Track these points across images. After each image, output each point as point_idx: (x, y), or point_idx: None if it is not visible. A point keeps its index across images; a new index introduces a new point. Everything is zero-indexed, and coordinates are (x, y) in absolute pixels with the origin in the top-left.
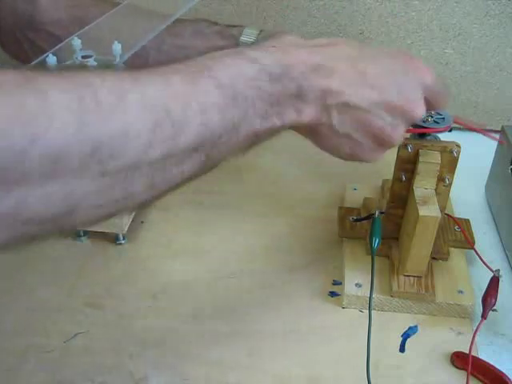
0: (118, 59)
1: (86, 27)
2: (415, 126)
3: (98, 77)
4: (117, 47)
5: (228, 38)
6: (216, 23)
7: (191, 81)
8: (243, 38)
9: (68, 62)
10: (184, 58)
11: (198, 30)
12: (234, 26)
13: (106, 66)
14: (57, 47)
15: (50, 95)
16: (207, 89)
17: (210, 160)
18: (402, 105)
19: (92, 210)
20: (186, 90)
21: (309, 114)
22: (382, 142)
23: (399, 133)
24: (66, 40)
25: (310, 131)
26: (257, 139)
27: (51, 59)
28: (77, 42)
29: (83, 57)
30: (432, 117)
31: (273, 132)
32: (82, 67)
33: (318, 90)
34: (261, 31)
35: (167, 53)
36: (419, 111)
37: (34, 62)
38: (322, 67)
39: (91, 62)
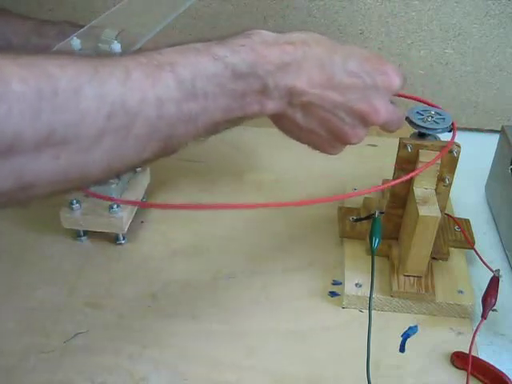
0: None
1: (85, 27)
2: (415, 125)
3: (59, 67)
4: (116, 47)
5: (92, 38)
6: (79, 25)
7: (151, 74)
8: (102, 38)
9: None
10: (151, 49)
11: (62, 31)
12: (96, 27)
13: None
14: (55, 47)
15: (12, 84)
16: (166, 83)
17: (168, 146)
18: (363, 110)
19: (48, 187)
20: (144, 83)
21: (273, 108)
22: (340, 140)
23: (358, 134)
24: (66, 40)
25: (274, 120)
26: (218, 128)
27: None
28: (76, 42)
29: None
30: (432, 117)
31: (235, 121)
32: (51, 53)
33: (283, 88)
34: (120, 32)
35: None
36: (380, 117)
37: None
38: (290, 67)
39: None
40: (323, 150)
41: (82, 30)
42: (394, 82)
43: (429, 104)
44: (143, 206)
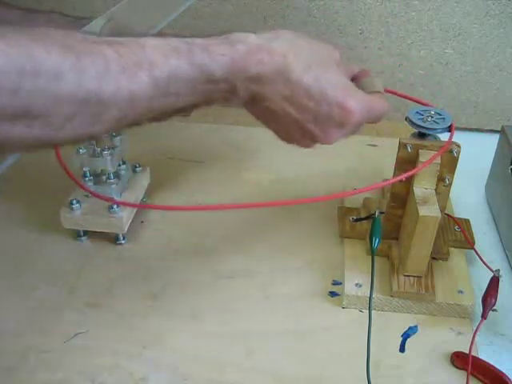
0: None
1: (85, 26)
2: (415, 125)
3: (44, 51)
4: None
5: (79, 28)
6: (67, 15)
7: (129, 69)
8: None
9: None
10: (130, 41)
11: (52, 19)
12: (84, 18)
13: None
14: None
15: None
16: (142, 80)
17: (134, 125)
18: (313, 132)
19: (18, 147)
20: (121, 77)
21: (237, 103)
22: (295, 142)
23: (309, 145)
24: None
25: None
26: (181, 113)
27: None
28: None
29: None
30: (432, 117)
31: (200, 107)
32: (39, 33)
33: (249, 92)
34: (107, 21)
35: None
36: (329, 142)
37: None
38: (262, 77)
39: None
40: (284, 140)
41: (81, 30)
42: (352, 117)
43: (422, 103)
44: (142, 207)
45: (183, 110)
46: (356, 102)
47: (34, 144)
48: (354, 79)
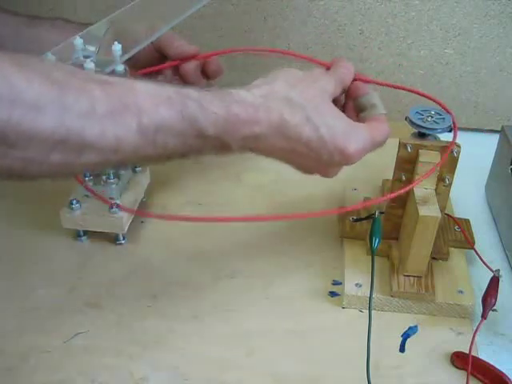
0: (117, 59)
1: (89, 27)
2: (415, 125)
3: (25, 80)
4: (117, 47)
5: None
6: (71, 21)
7: (116, 113)
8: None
9: (69, 63)
10: (121, 82)
11: (56, 25)
12: (88, 24)
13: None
14: (57, 47)
15: None
16: (129, 127)
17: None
18: (314, 170)
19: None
20: (107, 120)
21: (227, 155)
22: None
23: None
24: (69, 40)
25: None
26: (169, 161)
27: (50, 58)
28: (79, 41)
29: (83, 56)
30: (432, 117)
31: (187, 158)
32: (22, 59)
33: (245, 148)
34: (110, 25)
35: (24, 43)
36: (330, 177)
37: None
38: (257, 137)
39: (88, 64)
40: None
41: (84, 31)
42: (353, 159)
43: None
44: (142, 215)
45: (171, 160)
46: (356, 144)
47: (4, 173)
48: (353, 96)
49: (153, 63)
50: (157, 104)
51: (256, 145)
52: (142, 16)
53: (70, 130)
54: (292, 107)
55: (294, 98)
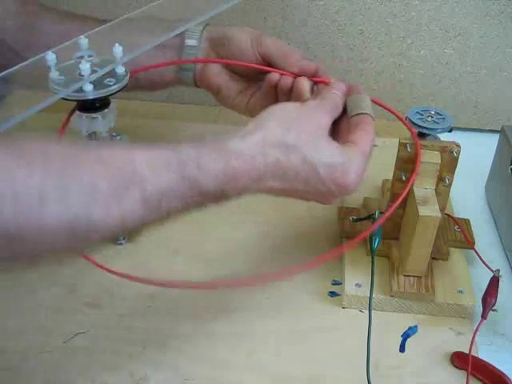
0: (118, 61)
1: (95, 29)
2: (415, 125)
3: (27, 172)
4: (117, 49)
5: (102, 22)
6: (101, 19)
7: (119, 189)
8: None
9: (68, 62)
10: (118, 154)
11: (87, 24)
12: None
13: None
14: (60, 46)
15: None
16: (133, 199)
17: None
18: (312, 200)
19: None
20: (111, 199)
21: (227, 202)
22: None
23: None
24: (73, 40)
25: None
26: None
27: (50, 56)
28: (84, 41)
29: (81, 57)
30: (432, 117)
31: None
32: (20, 147)
33: (239, 194)
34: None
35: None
36: (329, 204)
37: (31, 59)
38: (255, 183)
39: (83, 65)
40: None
41: (92, 31)
42: (351, 189)
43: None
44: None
45: (170, 219)
46: (355, 174)
47: (10, 265)
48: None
49: (255, 75)
50: (157, 172)
51: (255, 189)
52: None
53: (76, 216)
54: (287, 151)
55: (289, 141)
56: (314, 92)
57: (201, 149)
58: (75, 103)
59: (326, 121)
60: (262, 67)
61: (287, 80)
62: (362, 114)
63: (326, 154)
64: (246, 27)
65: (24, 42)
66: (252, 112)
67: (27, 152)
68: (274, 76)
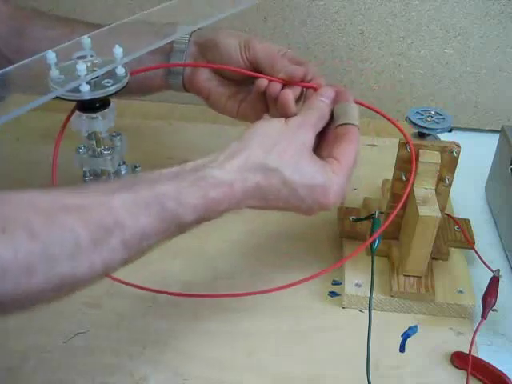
0: (118, 62)
1: (97, 31)
2: (415, 125)
3: (11, 250)
4: (118, 50)
5: (99, 27)
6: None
7: (99, 241)
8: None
9: (69, 62)
10: (96, 203)
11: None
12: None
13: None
14: (60, 46)
15: None
16: (113, 248)
17: None
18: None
19: None
20: (92, 252)
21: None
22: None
23: None
24: (76, 39)
25: None
26: None
27: (50, 55)
28: (87, 40)
29: (81, 57)
30: (432, 117)
31: None
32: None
33: (220, 216)
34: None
35: (28, 37)
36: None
37: (31, 59)
38: (236, 205)
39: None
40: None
41: (95, 32)
42: (333, 205)
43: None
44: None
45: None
46: (335, 193)
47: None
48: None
49: (244, 79)
50: (135, 215)
51: (234, 209)
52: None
53: (62, 277)
54: (268, 173)
55: (270, 164)
56: (303, 96)
57: (180, 183)
58: (75, 103)
59: (310, 137)
60: (250, 73)
61: (275, 87)
62: (348, 124)
63: (307, 176)
64: (234, 31)
65: (15, 47)
66: (243, 117)
67: (10, 223)
68: (263, 82)
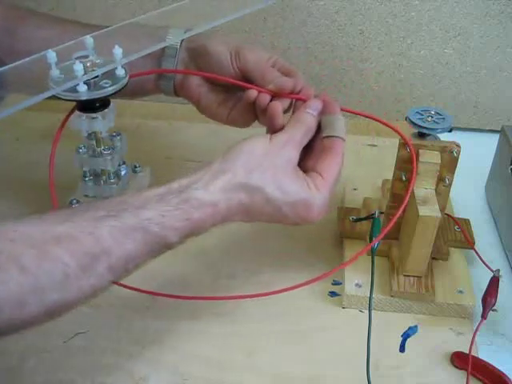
0: (117, 62)
1: (101, 31)
2: (415, 125)
3: (4, 285)
4: (118, 51)
5: (91, 27)
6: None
7: (87, 267)
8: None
9: (69, 62)
10: (82, 232)
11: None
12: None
13: None
14: (61, 46)
15: None
16: (101, 274)
17: None
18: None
19: None
20: (81, 280)
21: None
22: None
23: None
24: (78, 39)
25: None
26: None
27: (50, 54)
28: (89, 40)
29: (82, 57)
30: (432, 117)
31: None
32: None
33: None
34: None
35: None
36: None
37: (32, 57)
38: (221, 221)
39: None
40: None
41: (98, 32)
42: (317, 219)
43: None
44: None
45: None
46: (316, 209)
47: None
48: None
49: (234, 86)
50: (122, 241)
51: (219, 225)
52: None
53: (52, 304)
54: (250, 191)
55: (253, 183)
56: (291, 106)
57: (164, 207)
58: (75, 103)
59: (295, 154)
60: (240, 83)
61: (264, 98)
62: (334, 137)
63: (290, 194)
64: (225, 37)
65: (7, 47)
66: (233, 123)
67: (3, 257)
68: (252, 93)
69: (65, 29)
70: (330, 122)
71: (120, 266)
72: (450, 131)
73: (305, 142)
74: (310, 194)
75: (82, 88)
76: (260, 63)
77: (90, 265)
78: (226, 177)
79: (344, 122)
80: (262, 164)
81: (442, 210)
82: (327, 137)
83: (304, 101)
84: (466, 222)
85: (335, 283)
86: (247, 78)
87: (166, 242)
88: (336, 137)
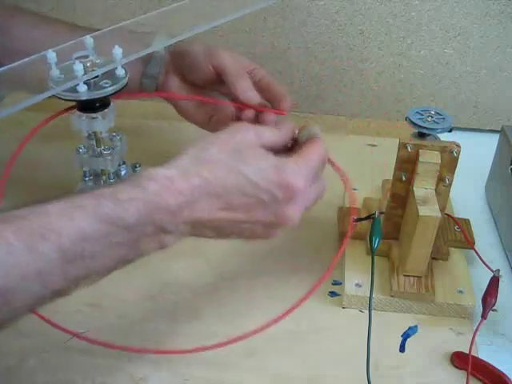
0: (117, 62)
1: (100, 31)
2: (415, 125)
3: None
4: (117, 51)
5: (83, 30)
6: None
7: (33, 247)
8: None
9: (69, 62)
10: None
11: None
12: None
13: None
14: (61, 46)
15: None
16: (48, 256)
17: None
18: (271, 220)
19: None
20: (25, 258)
21: (175, 240)
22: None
23: (275, 233)
24: (78, 39)
25: None
26: (114, 270)
27: (50, 55)
28: (89, 40)
29: (82, 57)
30: (432, 117)
31: (133, 260)
32: None
33: (183, 225)
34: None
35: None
36: (292, 223)
37: (32, 57)
38: (187, 206)
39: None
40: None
41: (97, 32)
42: (296, 188)
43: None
44: None
45: (111, 271)
46: (292, 171)
47: None
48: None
49: (211, 87)
50: (71, 218)
51: (191, 213)
52: (160, 24)
53: None
54: (210, 164)
55: (210, 156)
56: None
57: (120, 184)
58: (73, 103)
59: (252, 136)
60: (218, 102)
61: (247, 114)
62: (312, 137)
63: (253, 159)
64: (201, 42)
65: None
66: (214, 129)
67: None
68: (228, 107)
69: (56, 29)
70: (306, 130)
71: (73, 246)
72: (450, 131)
73: (270, 142)
74: (280, 161)
75: (82, 88)
76: (235, 66)
77: (34, 243)
78: (179, 157)
79: (318, 128)
80: (217, 143)
81: (442, 209)
82: (305, 139)
83: (282, 113)
84: (466, 221)
85: (335, 283)
86: (221, 77)
87: (124, 221)
88: (313, 137)
